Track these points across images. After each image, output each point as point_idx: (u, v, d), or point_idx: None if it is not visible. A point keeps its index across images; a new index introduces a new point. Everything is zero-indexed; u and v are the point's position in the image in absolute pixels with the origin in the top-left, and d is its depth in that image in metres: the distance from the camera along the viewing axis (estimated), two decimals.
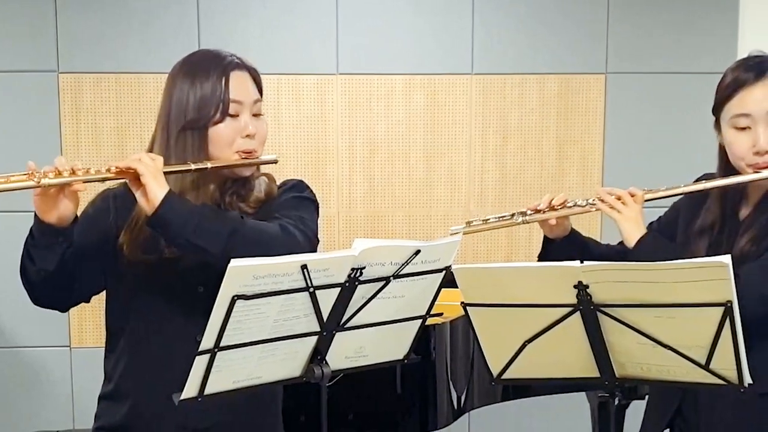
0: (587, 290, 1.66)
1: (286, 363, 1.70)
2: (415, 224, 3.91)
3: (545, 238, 2.22)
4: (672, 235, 2.15)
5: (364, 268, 1.62)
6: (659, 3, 3.86)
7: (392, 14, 3.81)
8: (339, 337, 1.71)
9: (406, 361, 1.86)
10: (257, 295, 1.54)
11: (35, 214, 1.77)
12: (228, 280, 1.50)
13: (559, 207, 2.14)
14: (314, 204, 1.98)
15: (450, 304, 1.96)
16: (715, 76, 2.07)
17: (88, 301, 1.97)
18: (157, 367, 1.87)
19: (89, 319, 3.76)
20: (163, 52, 3.63)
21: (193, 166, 1.82)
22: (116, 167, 1.73)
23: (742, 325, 1.62)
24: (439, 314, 1.91)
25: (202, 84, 1.85)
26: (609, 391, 1.88)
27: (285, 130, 3.80)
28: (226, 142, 1.86)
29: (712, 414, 1.99)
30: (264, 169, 1.98)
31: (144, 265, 1.86)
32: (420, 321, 1.82)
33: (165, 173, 1.76)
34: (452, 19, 3.81)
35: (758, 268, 1.91)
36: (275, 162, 1.95)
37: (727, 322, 1.60)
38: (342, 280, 1.62)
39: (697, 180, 2.15)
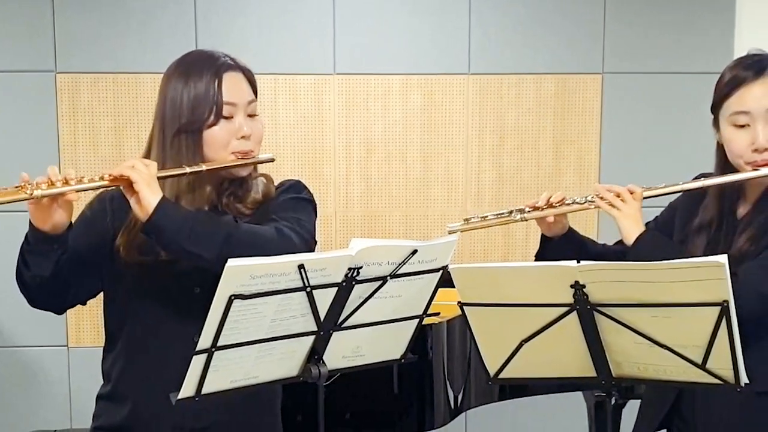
0: (584, 290, 1.66)
1: (283, 362, 1.70)
2: (412, 224, 3.90)
3: (543, 236, 2.21)
4: (669, 235, 2.14)
5: (361, 267, 1.62)
6: (656, 3, 3.86)
7: (389, 14, 3.81)
8: (336, 336, 1.71)
9: (403, 360, 1.86)
10: (254, 294, 1.54)
11: (30, 221, 1.77)
12: (225, 279, 1.50)
13: (558, 204, 2.14)
14: (312, 205, 1.97)
15: (447, 304, 1.96)
16: (712, 76, 2.08)
17: (84, 304, 1.98)
18: (156, 368, 1.87)
19: (87, 318, 3.75)
20: (161, 52, 3.61)
21: (188, 170, 1.81)
22: (109, 175, 1.73)
23: (740, 324, 1.62)
24: (436, 314, 1.91)
25: (196, 84, 1.84)
26: (606, 391, 1.87)
27: (282, 130, 3.79)
28: (221, 144, 1.86)
29: (710, 414, 1.99)
30: (261, 169, 1.98)
31: (141, 266, 1.86)
32: (417, 321, 1.82)
33: (160, 178, 1.75)
34: (449, 19, 3.81)
35: (757, 267, 1.91)
36: (272, 161, 1.94)
37: (724, 321, 1.60)
38: (339, 280, 1.62)
39: (695, 179, 2.14)
